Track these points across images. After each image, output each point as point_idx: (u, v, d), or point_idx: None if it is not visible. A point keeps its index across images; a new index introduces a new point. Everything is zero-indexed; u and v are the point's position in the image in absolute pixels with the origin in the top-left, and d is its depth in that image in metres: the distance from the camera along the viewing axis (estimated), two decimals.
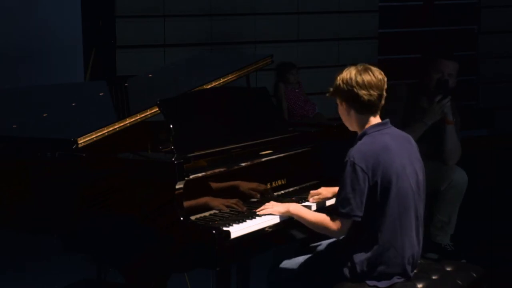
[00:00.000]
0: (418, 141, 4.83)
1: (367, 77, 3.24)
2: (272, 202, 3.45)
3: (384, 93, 3.30)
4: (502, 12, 9.07)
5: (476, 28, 9.10)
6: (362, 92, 3.23)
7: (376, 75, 3.27)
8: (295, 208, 3.38)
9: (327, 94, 3.39)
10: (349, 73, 3.27)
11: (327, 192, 3.62)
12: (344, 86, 3.26)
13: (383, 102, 3.31)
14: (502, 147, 8.25)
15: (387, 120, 3.34)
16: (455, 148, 5.00)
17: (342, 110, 3.36)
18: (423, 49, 8.79)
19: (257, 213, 3.38)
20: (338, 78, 3.31)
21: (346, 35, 8.58)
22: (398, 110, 5.05)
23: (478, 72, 9.06)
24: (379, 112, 3.32)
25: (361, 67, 3.29)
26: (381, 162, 3.18)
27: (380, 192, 3.19)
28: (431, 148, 5.01)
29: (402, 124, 4.83)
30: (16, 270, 5.21)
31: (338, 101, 3.35)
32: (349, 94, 3.26)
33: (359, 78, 3.24)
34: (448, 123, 4.92)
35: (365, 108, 3.27)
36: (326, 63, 8.32)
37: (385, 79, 3.30)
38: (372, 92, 3.24)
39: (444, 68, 4.97)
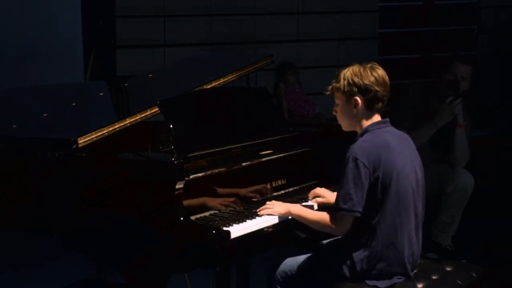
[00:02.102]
0: (426, 143, 4.86)
1: (380, 72, 3.27)
2: (273, 202, 3.45)
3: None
4: (502, 12, 9.07)
5: (476, 28, 9.10)
6: (380, 88, 3.24)
7: (385, 74, 3.30)
8: (295, 209, 3.38)
9: (327, 92, 3.36)
10: (361, 69, 3.27)
11: (326, 193, 3.63)
12: (360, 81, 3.24)
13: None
14: (502, 147, 8.25)
15: (387, 119, 3.35)
16: (464, 152, 5.01)
17: (346, 108, 3.31)
18: (423, 49, 8.80)
19: (258, 213, 3.39)
20: (348, 73, 3.27)
21: (346, 35, 8.58)
22: (407, 111, 5.06)
23: (478, 72, 9.05)
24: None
25: (368, 64, 3.30)
26: (382, 159, 3.18)
27: (380, 189, 3.19)
28: (439, 150, 5.01)
29: (411, 124, 4.83)
30: (16, 270, 5.21)
31: (342, 98, 3.31)
32: (366, 89, 3.24)
33: (375, 74, 3.25)
34: (459, 126, 4.92)
35: (375, 105, 3.27)
36: (326, 63, 8.32)
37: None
38: (386, 89, 3.27)
39: (458, 70, 4.99)
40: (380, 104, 3.29)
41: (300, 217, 3.36)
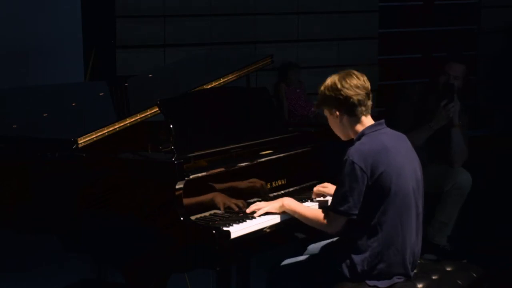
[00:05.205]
0: (423, 142, 4.86)
1: (351, 80, 3.29)
2: (263, 202, 3.45)
3: (370, 94, 3.32)
4: (502, 12, 9.07)
5: (476, 28, 9.10)
6: (350, 93, 3.27)
7: (359, 77, 3.32)
8: (288, 203, 3.40)
9: (313, 108, 3.43)
10: (332, 80, 3.32)
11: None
12: (331, 93, 3.30)
13: (371, 102, 3.33)
14: (501, 147, 8.25)
15: (382, 120, 3.37)
16: (461, 151, 5.00)
17: (333, 120, 3.38)
18: (423, 49, 8.80)
19: (248, 212, 3.38)
20: (322, 87, 3.35)
21: (346, 35, 8.58)
22: (408, 111, 5.06)
23: (478, 72, 9.06)
24: (369, 112, 3.34)
25: (343, 72, 3.33)
26: (380, 161, 3.20)
27: (380, 191, 3.20)
28: (436, 150, 5.01)
29: (411, 124, 4.83)
30: (16, 270, 5.21)
31: (327, 112, 3.38)
32: (338, 99, 3.29)
33: (343, 82, 3.28)
34: (453, 126, 4.92)
35: (356, 109, 3.29)
36: (326, 63, 8.31)
37: (368, 82, 3.33)
38: (359, 91, 3.28)
39: (450, 70, 4.98)
40: (362, 108, 3.30)
41: (293, 211, 3.37)
